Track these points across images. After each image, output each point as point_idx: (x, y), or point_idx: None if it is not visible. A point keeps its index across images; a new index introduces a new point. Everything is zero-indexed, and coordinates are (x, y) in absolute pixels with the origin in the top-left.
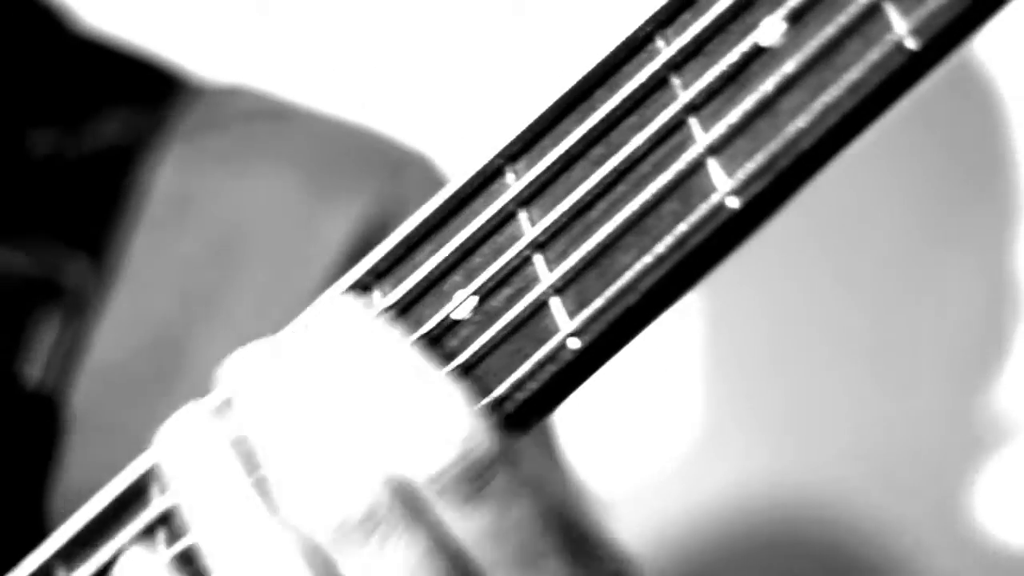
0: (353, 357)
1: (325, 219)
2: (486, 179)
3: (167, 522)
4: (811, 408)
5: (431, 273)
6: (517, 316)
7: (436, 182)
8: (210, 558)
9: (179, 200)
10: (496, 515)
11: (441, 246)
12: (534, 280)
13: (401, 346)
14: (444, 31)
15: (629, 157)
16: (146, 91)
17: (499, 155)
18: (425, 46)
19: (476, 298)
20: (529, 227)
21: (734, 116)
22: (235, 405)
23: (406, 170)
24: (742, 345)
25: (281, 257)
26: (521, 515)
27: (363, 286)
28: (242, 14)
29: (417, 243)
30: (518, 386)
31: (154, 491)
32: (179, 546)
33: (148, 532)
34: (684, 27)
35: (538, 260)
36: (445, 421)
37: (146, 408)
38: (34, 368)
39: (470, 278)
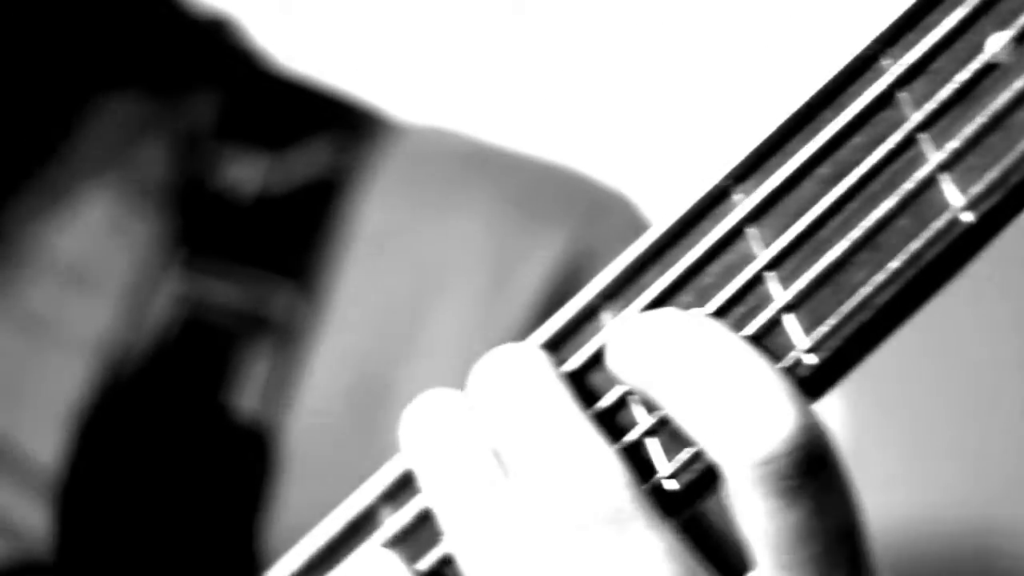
0: (674, 340)
1: (524, 259)
2: (712, 200)
3: (399, 543)
4: (953, 428)
5: (662, 293)
6: (751, 334)
7: (636, 223)
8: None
9: (382, 236)
10: (809, 515)
11: (669, 267)
12: (767, 299)
13: (723, 331)
14: (443, 30)
15: (859, 175)
16: (348, 128)
17: (726, 176)
18: (424, 44)
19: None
20: (760, 246)
21: (965, 133)
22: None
23: (606, 211)
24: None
25: (480, 296)
26: (832, 521)
27: (592, 309)
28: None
29: (644, 265)
30: None
31: (384, 512)
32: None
33: None
34: (909, 46)
35: (770, 278)
36: (782, 407)
37: (353, 446)
38: (246, 401)
39: (703, 298)
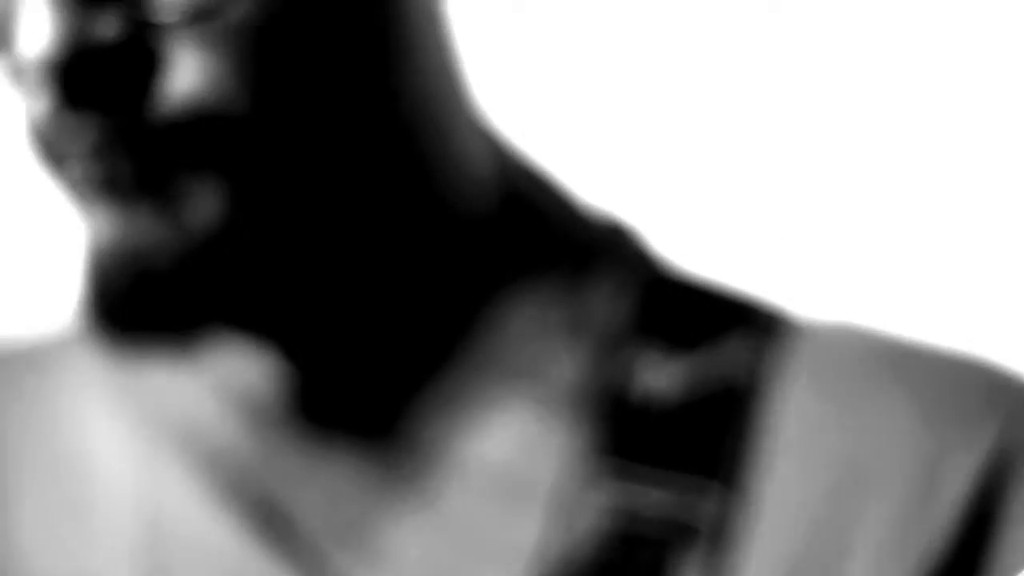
0: None
1: (951, 458)
2: None
3: None
4: None
5: None
6: None
7: None
8: None
9: (802, 437)
10: None
11: None
12: None
13: None
14: None
15: None
16: (757, 328)
17: None
18: None
19: None
20: None
21: None
22: None
23: None
24: None
25: (907, 497)
26: None
27: None
28: None
29: None
30: None
31: None
32: None
33: None
34: None
35: None
36: None
37: None
38: None
39: None
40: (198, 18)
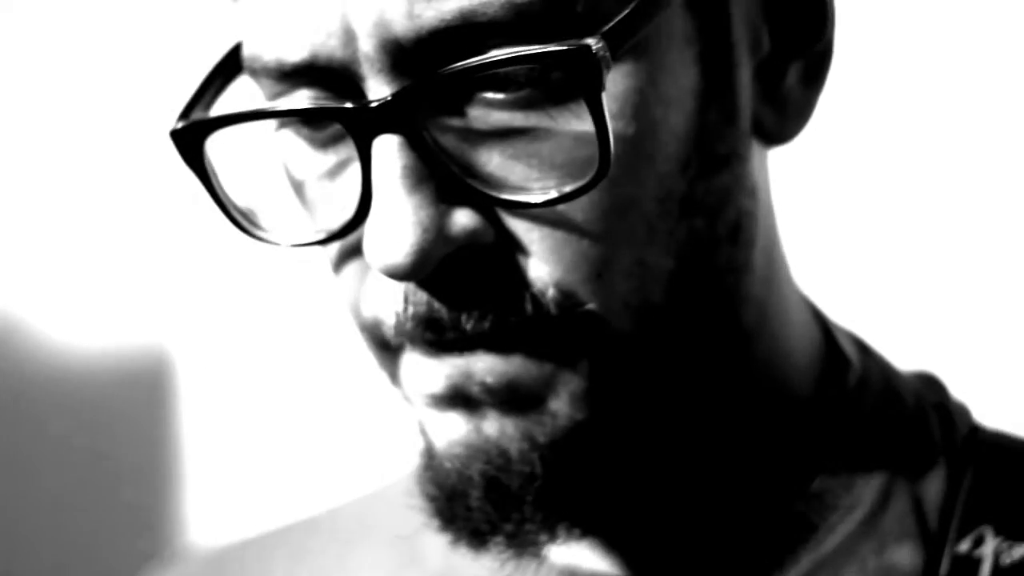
0: None
1: None
2: None
3: None
4: None
5: None
6: None
7: None
8: None
9: None
10: None
11: None
12: None
13: None
14: None
15: None
16: None
17: None
18: None
19: None
20: None
21: None
22: None
23: None
24: None
25: None
26: None
27: None
28: None
29: None
30: None
31: None
32: None
33: None
34: None
35: None
36: None
37: None
38: None
39: None
40: (560, 202)
